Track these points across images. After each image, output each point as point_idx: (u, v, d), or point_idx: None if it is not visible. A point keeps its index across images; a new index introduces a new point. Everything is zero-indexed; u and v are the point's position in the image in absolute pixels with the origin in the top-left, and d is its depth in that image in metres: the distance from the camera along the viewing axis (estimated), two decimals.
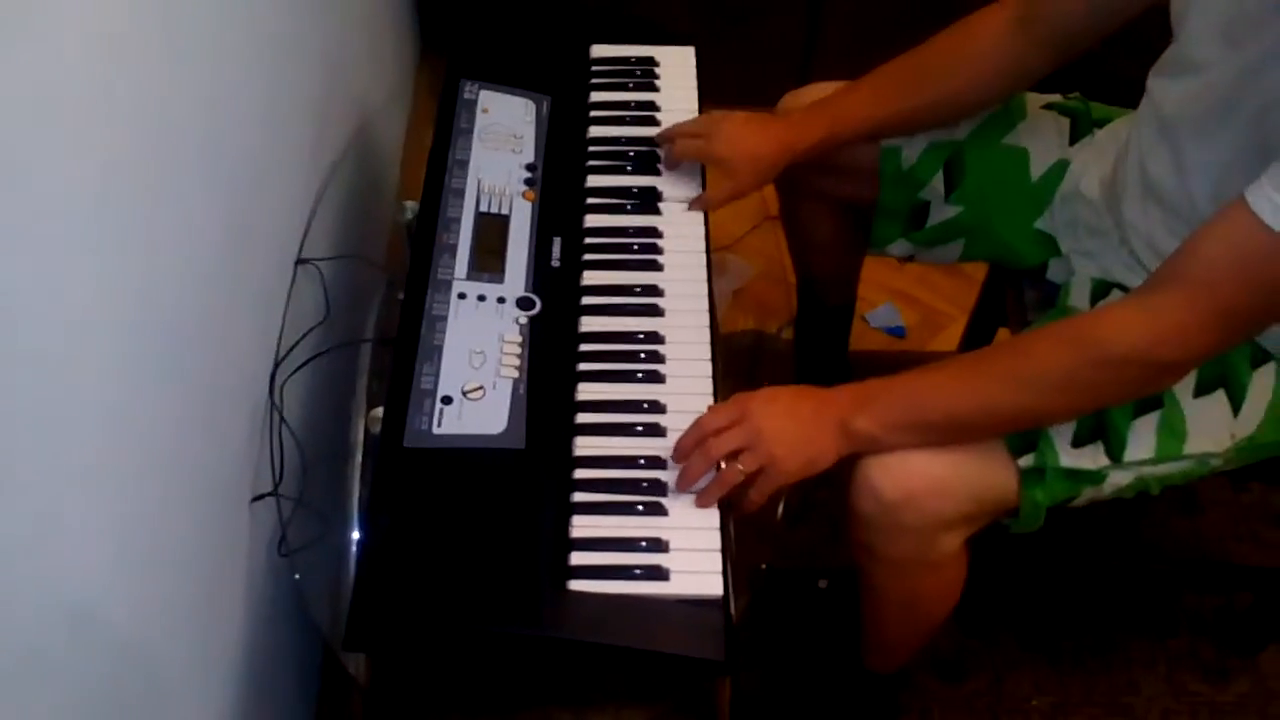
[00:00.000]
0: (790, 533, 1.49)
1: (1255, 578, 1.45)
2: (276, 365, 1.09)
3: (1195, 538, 1.59)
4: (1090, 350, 0.92)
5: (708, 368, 1.06)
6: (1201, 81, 0.99)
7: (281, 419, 1.06)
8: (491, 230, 1.16)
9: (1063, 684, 1.45)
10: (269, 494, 1.05)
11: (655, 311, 1.10)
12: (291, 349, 1.11)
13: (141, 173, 0.77)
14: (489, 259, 1.13)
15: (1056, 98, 1.26)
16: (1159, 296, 0.90)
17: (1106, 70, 1.19)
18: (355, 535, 1.01)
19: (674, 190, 1.22)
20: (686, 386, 1.04)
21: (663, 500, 0.96)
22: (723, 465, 0.96)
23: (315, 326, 1.17)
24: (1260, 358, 1.06)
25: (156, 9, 0.80)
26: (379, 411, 1.03)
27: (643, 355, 1.06)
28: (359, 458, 1.09)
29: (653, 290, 1.12)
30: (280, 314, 1.12)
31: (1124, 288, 1.12)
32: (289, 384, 1.10)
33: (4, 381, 0.60)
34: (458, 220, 1.16)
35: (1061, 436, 1.02)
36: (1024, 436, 1.02)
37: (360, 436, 1.10)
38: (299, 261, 1.18)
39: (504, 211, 1.18)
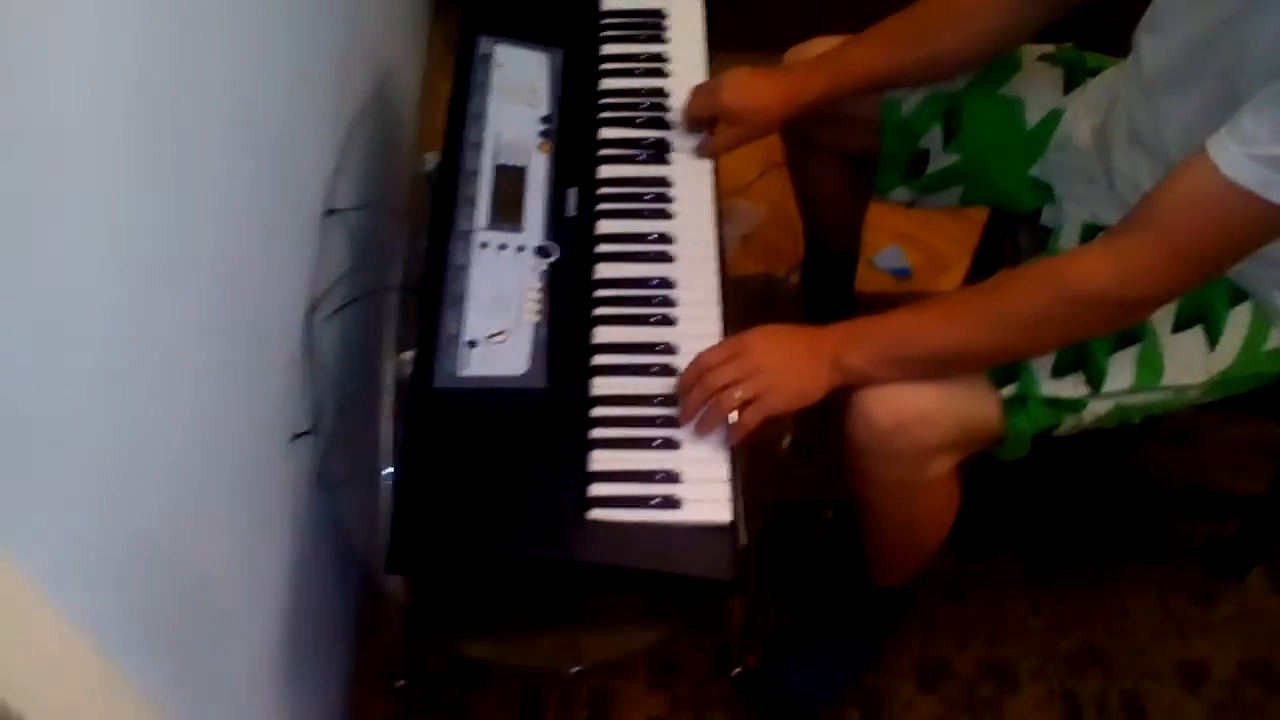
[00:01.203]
0: (797, 466, 1.56)
1: (1242, 505, 1.52)
2: (310, 311, 1.16)
3: (1186, 468, 1.66)
4: (1062, 289, 0.99)
5: (717, 311, 1.13)
6: (1177, 38, 1.04)
7: (317, 362, 1.13)
8: (509, 181, 1.22)
9: (1058, 606, 1.53)
10: (307, 432, 1.12)
11: (667, 258, 1.17)
12: (323, 295, 1.18)
13: (177, 125, 0.82)
14: (508, 209, 1.19)
15: (1051, 48, 1.30)
16: (1126, 239, 0.97)
17: (1100, 22, 1.23)
18: (389, 470, 1.09)
19: (683, 141, 1.27)
20: (697, 329, 1.11)
21: (675, 435, 1.03)
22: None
23: (345, 275, 1.24)
24: (1237, 296, 1.12)
25: None
26: (409, 355, 1.10)
27: (655, 300, 1.13)
28: (390, 398, 1.16)
29: (664, 238, 1.18)
30: (312, 262, 1.19)
31: None
32: (322, 329, 1.17)
33: (82, 324, 0.68)
34: (476, 172, 1.22)
35: (1042, 367, 1.10)
36: (1006, 368, 1.10)
37: (391, 379, 1.17)
38: (327, 212, 1.24)
39: (521, 163, 1.23)
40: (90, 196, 0.69)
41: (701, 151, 1.25)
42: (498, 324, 1.09)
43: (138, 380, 0.76)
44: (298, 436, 1.11)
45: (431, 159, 1.34)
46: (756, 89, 1.24)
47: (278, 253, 1.10)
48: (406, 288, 1.23)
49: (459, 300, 1.11)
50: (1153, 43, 1.10)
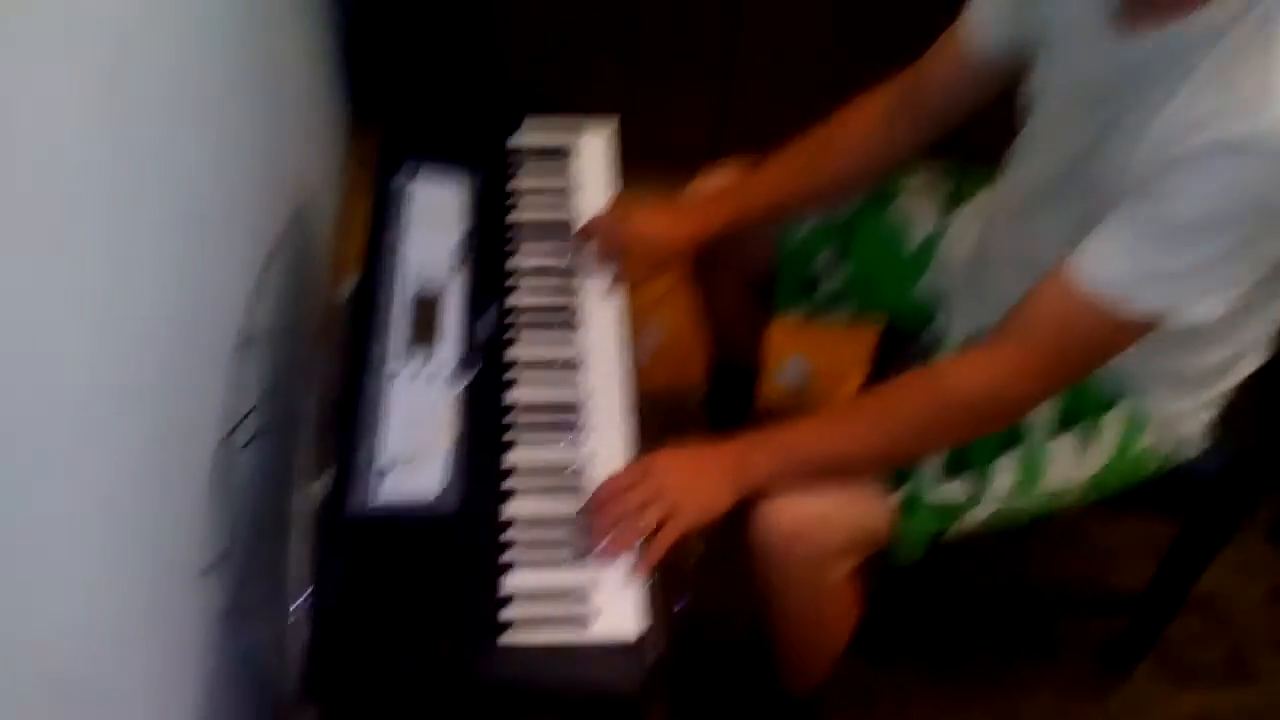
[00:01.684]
0: (704, 576, 1.60)
1: (1128, 601, 1.60)
2: (222, 442, 1.17)
3: (1075, 566, 1.74)
4: (941, 395, 1.07)
5: (627, 429, 1.18)
6: (1044, 162, 1.14)
7: (229, 493, 1.14)
8: (424, 308, 1.26)
9: (961, 707, 1.57)
10: (218, 564, 1.12)
11: (577, 379, 1.21)
12: (237, 426, 1.20)
13: (97, 250, 0.84)
14: (422, 335, 1.23)
15: (931, 171, 1.41)
16: (997, 347, 1.05)
17: (975, 145, 1.34)
18: (303, 599, 1.09)
19: (593, 266, 1.33)
20: (608, 449, 1.15)
21: (585, 555, 1.06)
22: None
23: (260, 402, 1.26)
24: (1110, 399, 1.21)
25: (106, 103, 0.87)
26: (322, 482, 1.12)
27: (566, 421, 1.17)
28: (302, 527, 1.17)
29: (574, 360, 1.23)
30: (226, 391, 1.20)
31: None
32: (235, 459, 1.18)
33: None
34: (391, 300, 1.26)
35: (931, 471, 1.17)
36: (897, 473, 1.16)
37: (303, 506, 1.18)
38: (242, 341, 1.26)
39: (435, 291, 1.28)
40: (6, 321, 0.71)
41: (612, 287, 1.31)
42: (411, 449, 1.12)
43: (46, 510, 0.76)
44: (209, 569, 1.11)
45: (349, 286, 1.38)
46: (664, 224, 1.32)
47: (192, 382, 1.11)
48: (321, 414, 1.26)
49: (373, 426, 1.14)
50: (1024, 166, 1.20)
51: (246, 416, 1.22)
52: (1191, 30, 0.94)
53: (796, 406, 1.91)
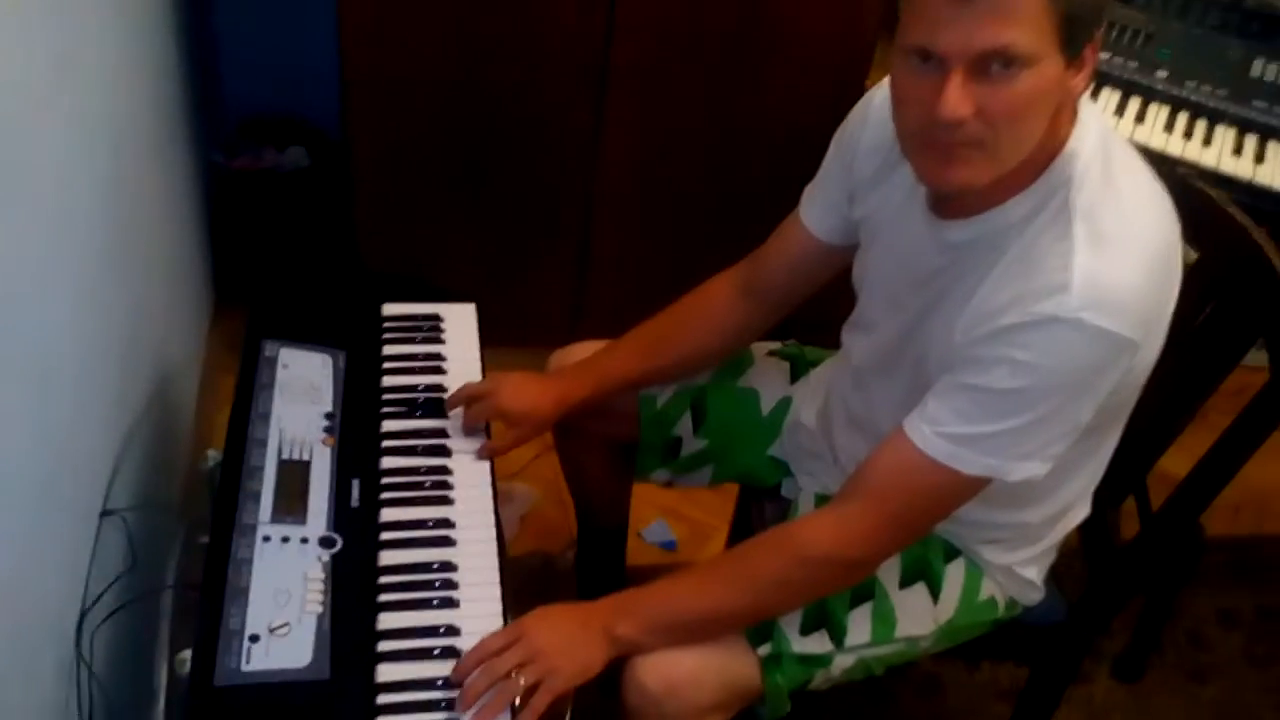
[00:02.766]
0: None
1: None
2: (83, 616, 1.14)
3: (934, 714, 1.79)
4: (794, 552, 1.14)
5: (497, 590, 1.19)
6: (876, 336, 1.25)
7: (89, 669, 1.11)
8: (293, 475, 1.26)
9: None
10: None
11: (449, 542, 1.23)
12: (98, 599, 1.17)
13: None
14: (292, 502, 1.23)
15: (777, 345, 1.52)
16: (844, 506, 1.13)
17: (814, 321, 1.45)
18: None
19: (461, 433, 1.37)
20: (479, 610, 1.16)
21: (459, 718, 1.06)
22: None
23: (120, 575, 1.23)
24: (951, 553, 1.30)
25: None
26: (187, 653, 1.10)
27: (438, 584, 1.18)
28: (163, 701, 1.14)
29: (445, 523, 1.25)
30: (86, 565, 1.18)
31: None
32: (96, 633, 1.15)
33: None
34: (261, 467, 1.26)
35: (791, 626, 1.22)
36: (761, 629, 1.21)
37: (164, 680, 1.15)
38: (103, 513, 1.25)
39: (305, 458, 1.29)
40: None
41: (481, 455, 1.33)
42: (281, 617, 1.11)
43: None
44: None
45: (213, 455, 1.37)
46: (529, 395, 1.38)
47: (50, 556, 1.09)
48: (185, 585, 1.24)
49: (242, 594, 1.13)
50: (859, 339, 1.31)
51: (107, 589, 1.19)
52: (1001, 219, 1.06)
53: (665, 567, 1.95)
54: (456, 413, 1.37)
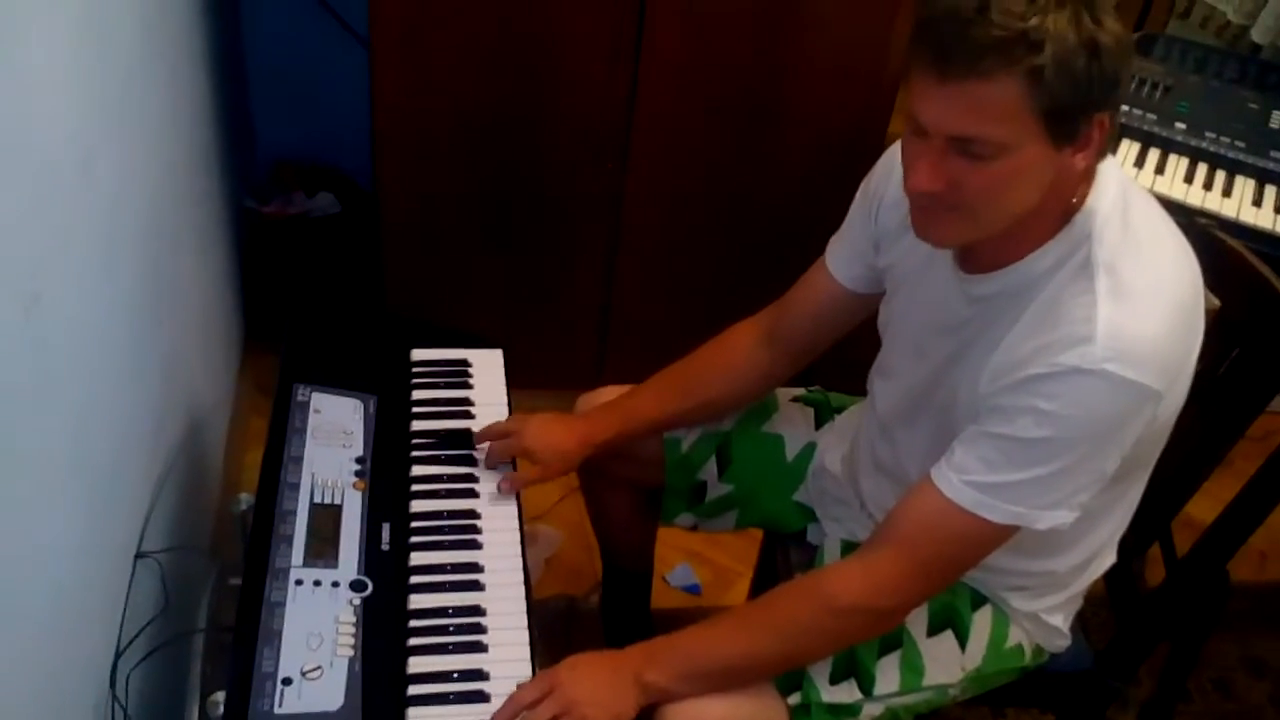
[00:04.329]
0: None
1: None
2: (117, 658, 1.16)
3: None
4: (823, 601, 1.14)
5: (525, 635, 1.20)
6: (902, 383, 1.26)
7: (125, 711, 1.12)
8: (325, 519, 1.28)
9: None
10: None
11: (477, 587, 1.24)
12: (132, 641, 1.19)
13: None
14: (323, 546, 1.25)
15: (802, 391, 1.53)
16: (873, 554, 1.14)
17: (839, 369, 1.47)
18: None
19: (488, 475, 1.39)
20: (508, 654, 1.18)
21: None
22: None
23: (154, 618, 1.25)
24: (979, 600, 1.30)
25: (23, 326, 0.90)
26: (220, 696, 1.11)
27: (467, 628, 1.20)
28: None
29: (474, 567, 1.26)
30: (121, 607, 1.20)
31: None
32: (131, 676, 1.16)
33: None
34: (293, 511, 1.28)
35: (820, 675, 1.22)
36: (790, 677, 1.21)
37: None
38: (138, 555, 1.27)
39: (336, 501, 1.31)
40: None
41: (504, 489, 1.36)
42: (313, 660, 1.13)
43: None
44: None
45: (245, 499, 1.39)
46: (555, 434, 1.39)
47: (87, 600, 1.11)
48: (217, 627, 1.25)
49: (274, 637, 1.14)
50: (884, 386, 1.32)
51: (141, 631, 1.21)
52: (1025, 273, 1.08)
53: (690, 610, 1.96)
54: (483, 456, 1.39)
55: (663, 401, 1.43)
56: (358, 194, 2.36)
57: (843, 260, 1.32)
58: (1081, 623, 1.38)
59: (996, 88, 0.93)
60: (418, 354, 1.56)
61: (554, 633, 1.80)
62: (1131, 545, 1.34)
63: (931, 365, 1.20)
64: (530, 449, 1.37)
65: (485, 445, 1.39)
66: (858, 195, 1.30)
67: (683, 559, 2.04)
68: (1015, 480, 1.05)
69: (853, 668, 1.23)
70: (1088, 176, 1.05)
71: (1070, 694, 1.44)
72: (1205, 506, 1.37)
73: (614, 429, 1.41)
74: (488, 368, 1.56)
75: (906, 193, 1.05)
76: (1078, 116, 0.97)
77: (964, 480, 1.07)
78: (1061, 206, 1.05)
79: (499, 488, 1.36)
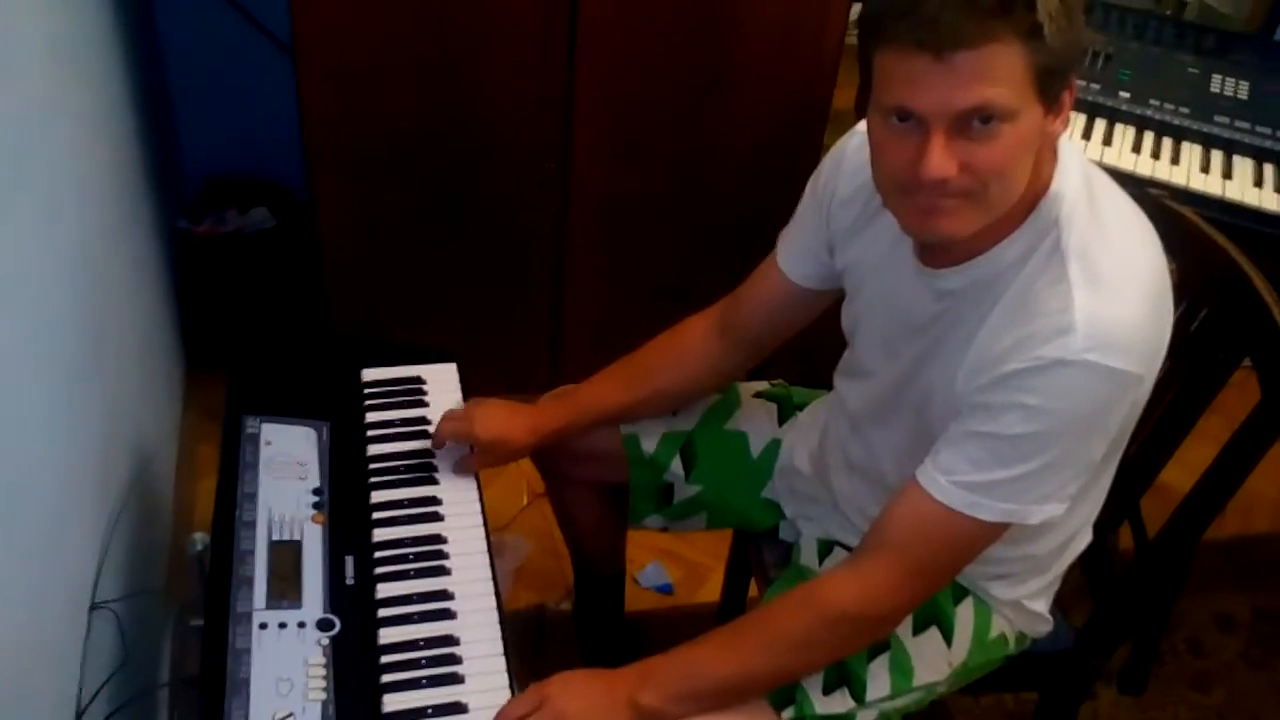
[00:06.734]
0: None
1: None
2: (78, 716, 1.11)
3: None
4: (817, 612, 1.12)
5: (502, 663, 1.16)
6: (873, 383, 1.24)
7: None
8: (285, 557, 1.23)
9: None
10: None
11: (448, 615, 1.20)
12: (92, 699, 1.14)
13: None
14: (286, 585, 1.20)
15: (764, 385, 1.51)
16: (864, 562, 1.12)
17: (798, 362, 1.45)
18: None
19: (452, 495, 1.34)
20: (485, 684, 1.14)
21: None
22: None
23: (115, 672, 1.20)
24: (960, 594, 1.29)
25: None
26: None
27: (441, 659, 1.16)
28: None
29: (443, 595, 1.22)
30: (78, 664, 1.14)
31: (845, 545, 1.34)
32: None
33: None
34: (251, 551, 1.23)
35: (813, 687, 1.20)
36: (783, 692, 1.19)
37: None
38: (93, 607, 1.21)
39: (296, 537, 1.26)
40: None
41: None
42: (284, 706, 1.08)
43: None
44: None
45: (201, 539, 1.34)
46: (504, 420, 1.37)
47: (42, 660, 1.06)
48: (181, 679, 1.21)
49: (242, 686, 1.09)
50: (854, 386, 1.29)
51: (101, 688, 1.16)
52: (992, 264, 1.06)
53: (662, 609, 1.93)
54: (446, 476, 1.35)
55: (615, 390, 1.41)
56: (293, 206, 2.30)
57: (794, 257, 1.29)
58: (1060, 603, 1.37)
59: (1002, 49, 0.91)
60: (369, 374, 1.51)
61: (526, 644, 1.77)
62: (1104, 522, 1.34)
63: (902, 365, 1.18)
64: (477, 434, 1.34)
65: (449, 473, 1.35)
66: (806, 193, 1.27)
67: (652, 558, 2.01)
68: (1004, 478, 1.04)
69: (844, 676, 1.21)
70: (1052, 156, 1.04)
71: (1052, 674, 1.44)
72: (1173, 472, 1.37)
73: (564, 418, 1.40)
74: (442, 383, 1.52)
75: (907, 186, 0.99)
76: (1065, 75, 0.96)
77: (952, 481, 1.05)
78: (1032, 189, 1.03)
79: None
